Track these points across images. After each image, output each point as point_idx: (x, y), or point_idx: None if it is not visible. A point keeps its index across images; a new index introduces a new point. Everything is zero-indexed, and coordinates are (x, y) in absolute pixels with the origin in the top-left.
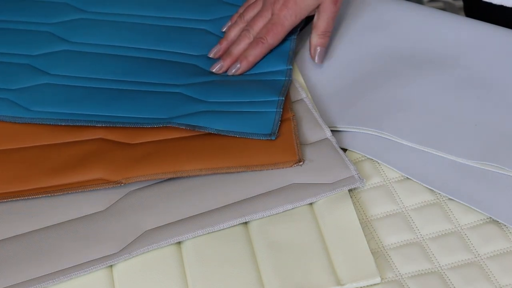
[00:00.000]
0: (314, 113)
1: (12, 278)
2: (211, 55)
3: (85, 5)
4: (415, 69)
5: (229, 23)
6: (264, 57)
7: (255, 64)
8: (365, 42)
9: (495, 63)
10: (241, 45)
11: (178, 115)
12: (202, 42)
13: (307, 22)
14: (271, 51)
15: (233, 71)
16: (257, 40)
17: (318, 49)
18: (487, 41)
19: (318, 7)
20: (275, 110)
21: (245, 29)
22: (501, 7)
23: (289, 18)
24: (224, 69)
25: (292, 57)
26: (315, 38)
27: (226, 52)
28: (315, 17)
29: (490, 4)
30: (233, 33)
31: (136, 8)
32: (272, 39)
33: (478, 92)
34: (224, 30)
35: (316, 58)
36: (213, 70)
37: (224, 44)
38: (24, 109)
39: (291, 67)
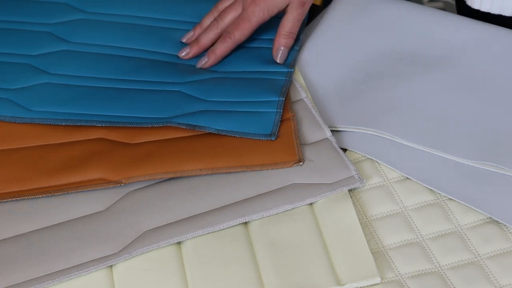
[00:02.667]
0: (314, 113)
1: (12, 278)
2: (183, 40)
3: (84, 6)
4: (415, 69)
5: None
6: (265, 57)
7: (223, 58)
8: (365, 42)
9: (495, 63)
10: (208, 35)
11: (178, 114)
12: None
13: (308, 21)
14: (271, 52)
15: (202, 63)
16: (224, 35)
17: (282, 48)
18: (487, 41)
19: (286, 7)
20: (275, 110)
21: (215, 19)
22: (500, 17)
23: (257, 15)
24: (190, 55)
25: (294, 61)
26: (279, 38)
27: (195, 39)
28: (283, 17)
29: (488, 13)
30: (206, 22)
31: (135, 9)
32: (239, 35)
33: (478, 92)
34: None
35: (278, 58)
36: (180, 55)
37: (197, 31)
38: (24, 109)
39: (292, 70)
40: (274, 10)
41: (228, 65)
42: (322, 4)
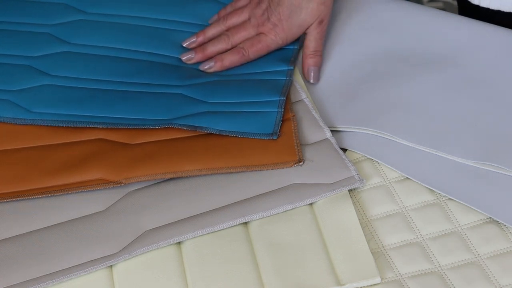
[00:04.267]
0: (314, 113)
1: (12, 278)
2: (184, 44)
3: (84, 6)
4: (415, 69)
5: (215, 17)
6: (265, 57)
7: (227, 69)
8: (365, 42)
9: (495, 63)
10: (216, 47)
11: (179, 116)
12: None
13: None
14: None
15: (206, 67)
16: (239, 49)
17: (312, 69)
18: (487, 41)
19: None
20: (277, 110)
21: (226, 34)
22: (499, 12)
23: (276, 42)
24: (193, 61)
25: (294, 59)
26: (307, 59)
27: (201, 47)
28: (305, 39)
29: (488, 9)
30: (211, 32)
31: (136, 10)
32: (254, 54)
33: (478, 92)
34: (210, 22)
35: (312, 79)
36: (182, 58)
37: (200, 38)
38: (25, 110)
39: (292, 67)
40: (292, 39)
41: None
42: None
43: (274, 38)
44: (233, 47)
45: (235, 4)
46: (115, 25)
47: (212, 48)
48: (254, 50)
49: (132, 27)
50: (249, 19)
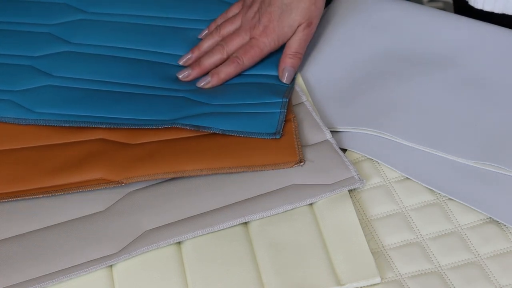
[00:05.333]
0: (314, 115)
1: (12, 278)
2: (180, 62)
3: (85, 6)
4: (415, 69)
5: (206, 31)
6: (269, 60)
7: (225, 81)
8: (365, 42)
9: (495, 62)
10: (212, 59)
11: (182, 116)
12: None
13: None
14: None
15: (202, 84)
16: (233, 59)
17: (288, 68)
18: (487, 41)
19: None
20: (279, 110)
21: (220, 44)
22: (503, 16)
23: (268, 45)
24: (190, 78)
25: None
26: (285, 58)
27: (197, 61)
28: (290, 38)
29: (492, 13)
30: (206, 44)
31: (137, 8)
32: (248, 61)
33: (478, 92)
34: (200, 37)
35: (285, 78)
36: (179, 77)
37: (195, 54)
38: (27, 110)
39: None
40: (284, 40)
41: None
42: None
43: (265, 40)
44: (228, 56)
45: (226, 14)
46: (116, 24)
47: (208, 61)
48: (248, 57)
49: (133, 25)
50: (241, 25)
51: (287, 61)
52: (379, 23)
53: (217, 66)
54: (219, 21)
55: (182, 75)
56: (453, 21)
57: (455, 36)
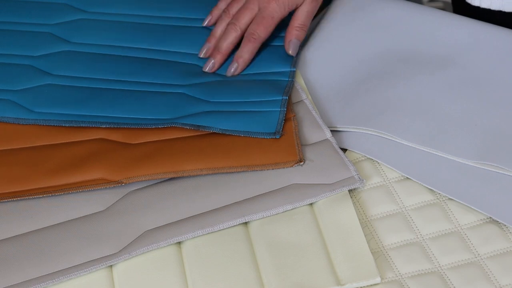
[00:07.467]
0: (314, 114)
1: (12, 278)
2: (201, 55)
3: (84, 5)
4: (415, 69)
5: (209, 17)
6: (268, 57)
7: (251, 61)
8: (365, 42)
9: (495, 62)
10: (228, 39)
11: (182, 115)
12: (204, 41)
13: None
14: (274, 52)
15: (232, 70)
16: (248, 37)
17: (294, 41)
18: (487, 40)
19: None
20: (279, 109)
21: (231, 23)
22: (500, 13)
23: (278, 10)
24: (217, 66)
25: (296, 60)
26: (292, 30)
27: (216, 48)
28: (296, 10)
29: (489, 10)
30: (219, 29)
31: (137, 8)
32: (263, 32)
33: (478, 92)
34: (204, 24)
35: (291, 50)
36: (206, 70)
37: (212, 42)
38: (27, 110)
39: (294, 69)
40: (292, 6)
41: None
42: (322, 4)
43: (275, 6)
44: (242, 32)
45: None
46: (116, 23)
47: (225, 43)
48: (262, 29)
49: (133, 25)
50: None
51: (294, 33)
52: (379, 23)
53: (235, 45)
54: (221, 5)
55: (208, 67)
56: (453, 21)
57: (455, 36)
